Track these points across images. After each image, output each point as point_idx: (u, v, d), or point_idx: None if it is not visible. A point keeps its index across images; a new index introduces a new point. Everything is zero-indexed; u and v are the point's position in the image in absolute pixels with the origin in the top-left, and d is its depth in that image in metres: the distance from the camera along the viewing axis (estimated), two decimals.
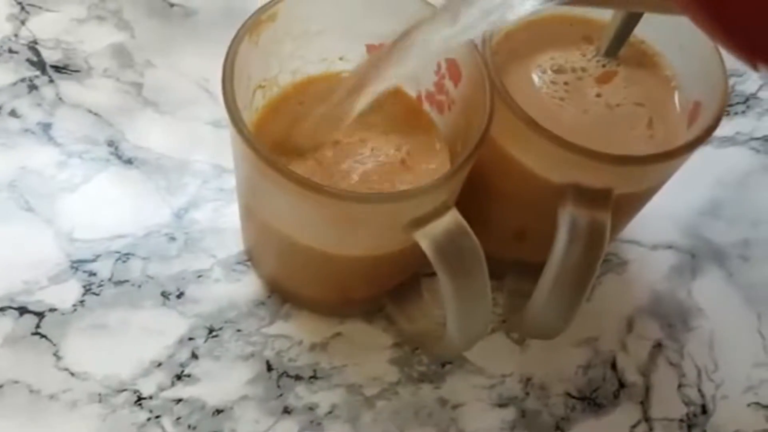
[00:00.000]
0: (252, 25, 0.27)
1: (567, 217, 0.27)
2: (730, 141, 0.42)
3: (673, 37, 0.31)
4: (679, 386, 0.35)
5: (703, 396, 0.34)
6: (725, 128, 0.43)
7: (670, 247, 0.38)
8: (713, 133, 0.27)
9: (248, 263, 0.34)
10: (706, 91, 0.29)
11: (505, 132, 0.28)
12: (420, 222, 0.26)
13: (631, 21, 0.30)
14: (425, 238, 0.26)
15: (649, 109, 0.31)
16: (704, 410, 0.34)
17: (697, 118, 0.30)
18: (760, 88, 0.45)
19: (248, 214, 0.31)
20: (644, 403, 0.34)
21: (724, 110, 0.28)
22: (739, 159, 0.42)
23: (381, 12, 0.29)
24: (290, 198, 0.26)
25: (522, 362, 0.34)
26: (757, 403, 0.35)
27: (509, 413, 0.33)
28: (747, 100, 0.44)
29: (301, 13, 0.29)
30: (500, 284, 0.35)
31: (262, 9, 0.27)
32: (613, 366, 0.35)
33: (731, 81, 0.45)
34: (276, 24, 0.28)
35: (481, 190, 0.32)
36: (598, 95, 0.31)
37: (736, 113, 0.44)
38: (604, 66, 0.31)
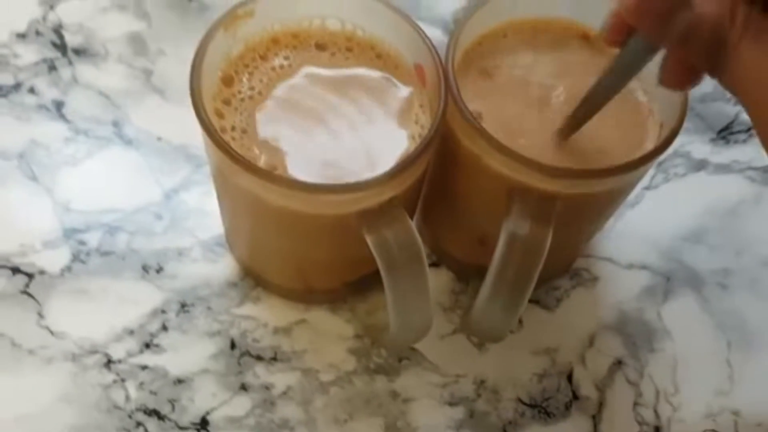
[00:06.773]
0: (228, 20, 0.29)
1: (508, 227, 0.28)
2: (726, 168, 0.42)
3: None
4: (635, 405, 0.35)
5: (658, 417, 0.35)
6: (722, 155, 0.42)
7: (644, 267, 0.38)
8: (663, 152, 0.28)
9: (226, 246, 0.36)
10: (669, 113, 0.30)
11: (463, 133, 0.29)
12: (367, 217, 0.27)
13: (591, 109, 0.28)
14: (370, 234, 0.27)
15: (620, 119, 0.31)
16: (657, 431, 0.34)
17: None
18: None
19: (220, 199, 0.33)
20: (595, 417, 0.34)
21: (678, 131, 0.28)
22: (732, 187, 0.42)
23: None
24: (247, 184, 0.27)
25: (478, 364, 0.35)
26: (714, 431, 0.34)
27: (458, 412, 0.34)
28: (749, 129, 0.44)
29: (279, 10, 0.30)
30: (467, 287, 0.36)
31: (239, 4, 0.29)
32: (569, 378, 0.35)
33: (736, 108, 0.44)
34: (254, 20, 0.30)
35: (449, 194, 0.33)
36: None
37: (736, 141, 0.43)
38: None
